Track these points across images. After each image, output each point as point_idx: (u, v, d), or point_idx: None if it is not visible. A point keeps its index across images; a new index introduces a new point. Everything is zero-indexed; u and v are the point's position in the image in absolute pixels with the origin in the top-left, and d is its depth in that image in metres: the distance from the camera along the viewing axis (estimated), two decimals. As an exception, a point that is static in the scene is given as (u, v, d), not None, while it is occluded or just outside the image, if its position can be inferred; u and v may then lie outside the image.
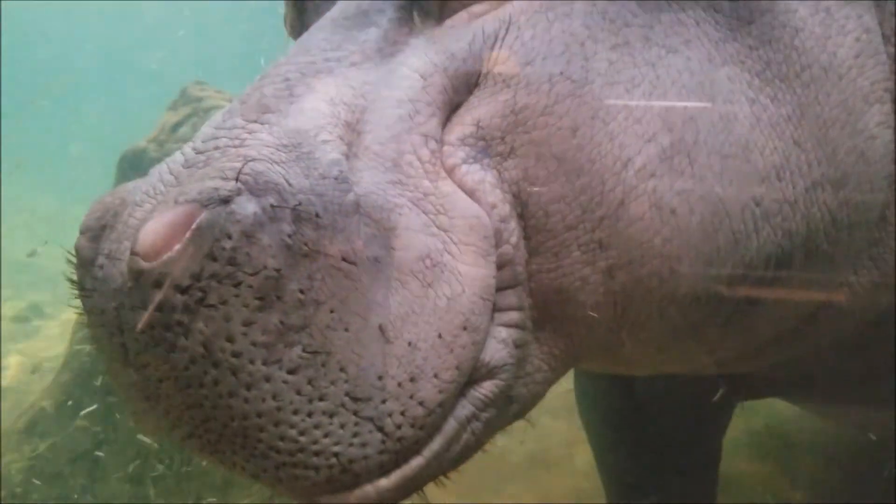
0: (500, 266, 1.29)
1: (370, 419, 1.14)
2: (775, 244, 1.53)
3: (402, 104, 1.31)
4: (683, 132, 1.39)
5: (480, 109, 1.34)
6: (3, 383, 8.49)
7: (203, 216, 1.06)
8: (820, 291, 1.76)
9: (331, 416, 1.12)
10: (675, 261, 1.39)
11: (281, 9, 1.82)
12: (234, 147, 1.21)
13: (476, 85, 1.37)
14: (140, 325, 1.09)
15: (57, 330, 10.88)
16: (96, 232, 1.23)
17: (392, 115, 1.29)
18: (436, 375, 1.17)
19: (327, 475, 1.14)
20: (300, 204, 1.10)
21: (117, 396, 5.67)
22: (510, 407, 1.36)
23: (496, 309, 1.29)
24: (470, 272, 1.23)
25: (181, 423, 1.16)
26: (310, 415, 1.11)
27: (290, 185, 1.12)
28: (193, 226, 1.05)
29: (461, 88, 1.36)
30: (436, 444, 1.22)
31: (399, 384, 1.15)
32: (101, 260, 1.19)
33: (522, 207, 1.32)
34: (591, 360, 1.62)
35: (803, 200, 1.54)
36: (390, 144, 1.26)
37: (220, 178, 1.12)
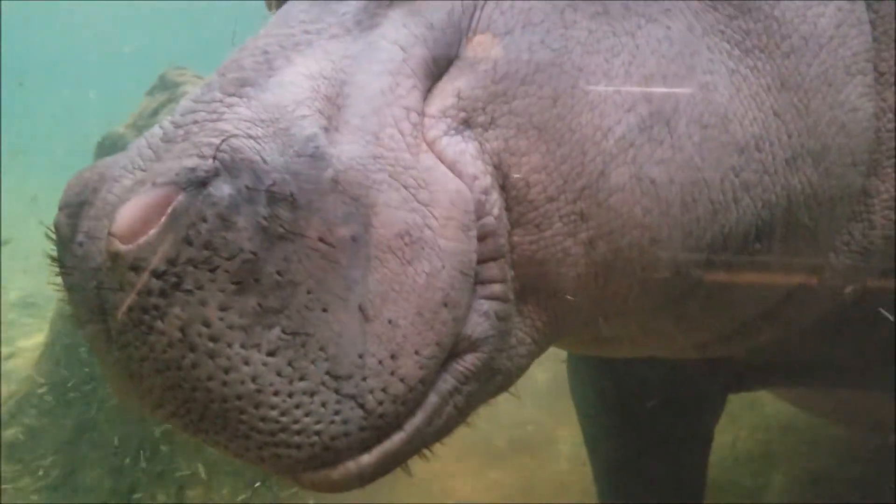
0: (482, 238, 1.28)
1: (351, 397, 1.13)
2: (755, 215, 1.54)
3: (382, 77, 1.29)
4: (663, 102, 1.40)
5: (461, 80, 1.33)
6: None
7: (179, 199, 1.05)
8: (801, 267, 1.76)
9: (311, 395, 1.12)
10: (656, 231, 1.40)
11: None
12: (212, 121, 1.19)
13: (456, 56, 1.36)
14: (118, 309, 1.09)
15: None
16: (75, 208, 1.21)
17: (373, 88, 1.28)
18: (416, 352, 1.17)
19: (309, 453, 1.14)
20: (275, 184, 1.09)
21: (97, 384, 5.63)
22: (493, 380, 1.36)
23: (478, 281, 1.28)
24: (450, 247, 1.22)
25: (164, 402, 1.15)
26: (290, 395, 1.11)
27: (265, 162, 1.11)
28: (169, 210, 1.05)
29: (441, 59, 1.35)
30: (417, 419, 1.21)
31: (380, 361, 1.14)
32: (80, 237, 1.17)
33: (504, 179, 1.32)
34: (574, 334, 1.61)
35: (783, 171, 1.55)
36: (371, 118, 1.25)
37: (198, 156, 1.11)
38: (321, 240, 1.10)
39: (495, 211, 1.30)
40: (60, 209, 1.24)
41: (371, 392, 1.14)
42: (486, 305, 1.29)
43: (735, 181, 1.48)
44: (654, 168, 1.38)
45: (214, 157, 1.10)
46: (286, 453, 1.13)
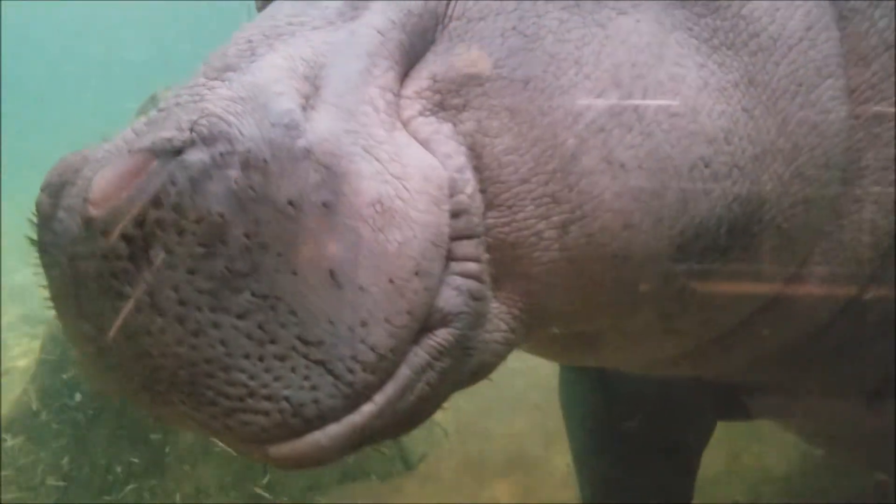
0: (456, 215, 1.30)
1: (321, 363, 1.14)
2: (726, 207, 1.55)
3: (360, 58, 1.33)
4: (632, 88, 1.43)
5: (436, 64, 1.38)
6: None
7: (153, 165, 1.07)
8: (776, 273, 1.77)
9: (282, 359, 1.12)
10: (627, 216, 1.42)
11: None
12: (194, 103, 1.22)
13: (433, 41, 1.41)
14: (89, 277, 1.10)
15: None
16: (57, 188, 1.22)
17: (350, 68, 1.31)
18: (387, 320, 1.17)
19: (277, 420, 1.14)
20: (249, 151, 1.11)
21: (89, 405, 5.59)
22: (467, 361, 1.36)
23: (452, 258, 1.30)
24: (422, 218, 1.23)
25: (132, 374, 1.16)
26: (261, 359, 1.11)
27: (241, 134, 1.13)
28: (142, 174, 1.07)
29: (418, 44, 1.40)
30: (388, 391, 1.21)
31: (350, 328, 1.14)
32: (60, 214, 1.18)
33: (477, 160, 1.35)
34: (551, 329, 1.61)
35: (752, 167, 1.57)
36: (346, 96, 1.28)
37: (176, 129, 1.13)
38: (291, 203, 1.11)
39: (468, 189, 1.32)
40: (42, 190, 1.25)
41: (341, 359, 1.15)
42: (459, 281, 1.31)
43: (705, 171, 1.50)
44: (623, 153, 1.40)
45: (192, 130, 1.12)
46: (254, 420, 1.13)
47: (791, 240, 1.72)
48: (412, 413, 1.29)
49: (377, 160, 1.23)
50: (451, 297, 1.28)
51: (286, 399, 1.13)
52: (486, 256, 1.35)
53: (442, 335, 1.28)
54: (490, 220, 1.35)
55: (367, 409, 1.20)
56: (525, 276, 1.40)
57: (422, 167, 1.27)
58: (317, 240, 1.13)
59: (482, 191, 1.35)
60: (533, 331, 1.52)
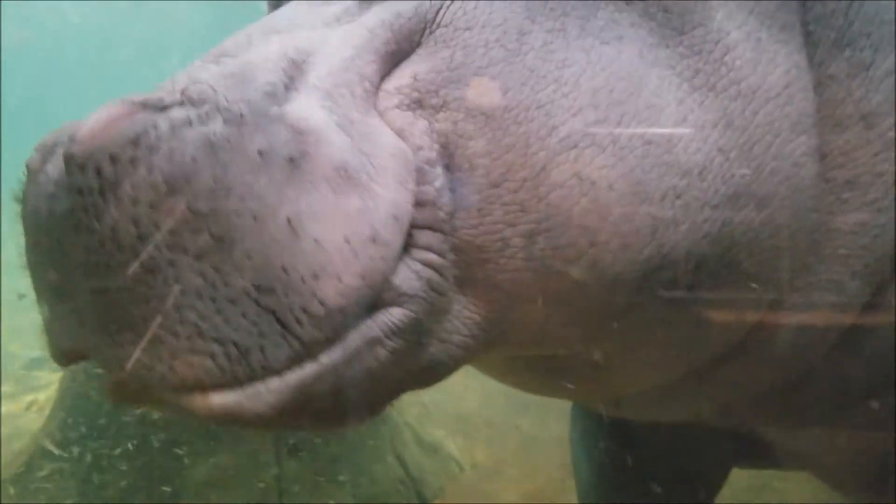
0: (422, 204, 1.35)
1: (271, 311, 1.16)
2: (694, 243, 1.56)
3: (346, 49, 1.42)
4: (608, 112, 1.47)
5: (419, 65, 1.45)
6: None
7: (140, 114, 1.15)
8: (741, 319, 1.76)
9: (233, 302, 1.14)
10: (594, 233, 1.44)
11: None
12: (187, 75, 1.31)
13: (419, 44, 1.48)
14: (61, 212, 1.15)
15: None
16: (49, 148, 1.29)
17: (335, 57, 1.40)
18: (339, 278, 1.20)
19: (223, 364, 1.15)
20: (229, 111, 1.19)
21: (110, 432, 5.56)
22: (420, 353, 1.37)
23: (414, 245, 1.34)
24: (384, 193, 1.28)
25: (89, 316, 1.19)
26: (213, 300, 1.14)
27: (226, 101, 1.22)
28: (128, 120, 1.14)
29: (404, 44, 1.48)
30: (335, 354, 1.23)
31: (302, 279, 1.17)
32: (47, 167, 1.25)
33: (449, 159, 1.40)
34: (513, 343, 1.60)
35: (725, 207, 1.58)
36: (327, 79, 1.36)
37: (167, 92, 1.22)
38: (260, 153, 1.18)
39: (437, 183, 1.37)
40: (36, 150, 1.31)
41: (290, 309, 1.17)
42: (419, 266, 1.34)
43: (676, 202, 1.52)
44: (595, 172, 1.44)
45: (182, 93, 1.21)
46: (199, 362, 1.15)
47: (760, 285, 1.72)
48: (360, 393, 1.29)
49: (348, 136, 1.29)
50: (409, 279, 1.31)
51: (234, 343, 1.15)
52: (451, 256, 1.38)
53: (396, 314, 1.30)
54: (458, 221, 1.39)
55: (311, 367, 1.21)
56: (489, 282, 1.42)
57: (390, 147, 1.33)
58: (279, 189, 1.18)
59: (451, 190, 1.39)
60: (493, 345, 1.53)
